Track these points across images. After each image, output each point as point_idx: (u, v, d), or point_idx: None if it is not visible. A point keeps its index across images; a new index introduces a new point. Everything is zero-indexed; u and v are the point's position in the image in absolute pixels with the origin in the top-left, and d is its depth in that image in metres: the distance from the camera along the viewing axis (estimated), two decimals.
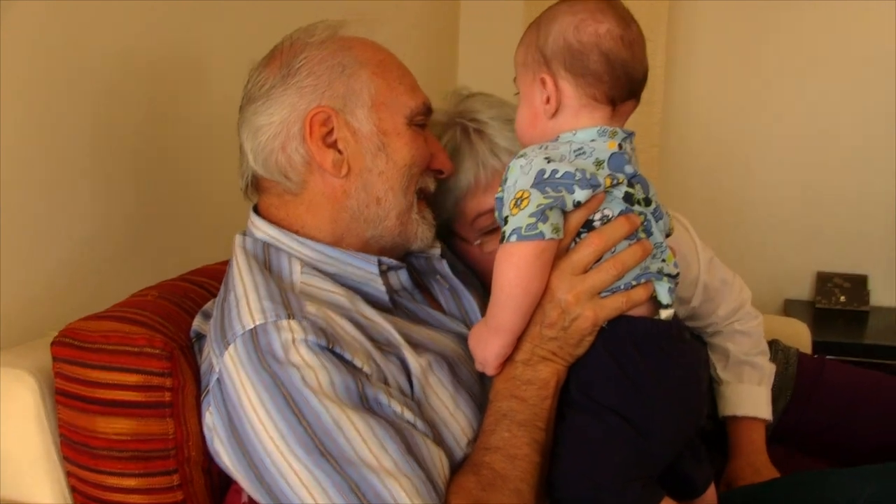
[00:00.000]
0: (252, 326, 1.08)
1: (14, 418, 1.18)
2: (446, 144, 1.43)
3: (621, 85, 1.16)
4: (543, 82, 1.18)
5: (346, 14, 1.33)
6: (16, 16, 1.24)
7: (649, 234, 1.16)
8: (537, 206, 1.07)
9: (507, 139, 1.41)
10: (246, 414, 1.05)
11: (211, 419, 1.12)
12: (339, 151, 1.23)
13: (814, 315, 3.01)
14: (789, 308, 3.08)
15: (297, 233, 1.25)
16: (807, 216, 3.12)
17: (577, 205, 1.10)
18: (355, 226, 1.26)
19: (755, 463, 1.69)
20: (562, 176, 1.08)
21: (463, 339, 1.26)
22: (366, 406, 1.06)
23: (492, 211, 1.38)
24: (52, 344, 1.18)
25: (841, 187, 3.08)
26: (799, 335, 2.25)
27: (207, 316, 1.25)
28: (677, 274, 1.19)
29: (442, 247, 1.40)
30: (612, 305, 1.11)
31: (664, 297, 1.16)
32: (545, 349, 1.13)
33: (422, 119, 1.30)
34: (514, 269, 1.09)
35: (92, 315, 1.22)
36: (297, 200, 1.26)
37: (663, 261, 1.17)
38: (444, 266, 1.38)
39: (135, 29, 1.48)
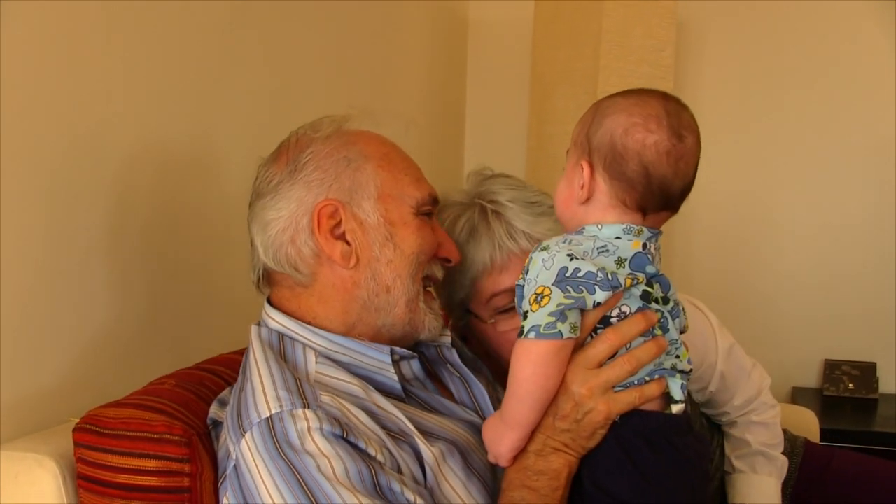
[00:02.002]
0: (268, 415, 1.10)
1: (36, 502, 1.18)
2: (464, 224, 1.45)
3: (654, 197, 1.14)
4: (583, 168, 1.17)
5: (351, 108, 1.36)
6: (34, 107, 1.27)
7: (665, 330, 1.16)
8: (557, 306, 1.07)
9: (525, 222, 1.42)
10: (262, 500, 1.06)
11: None
12: (348, 243, 1.25)
13: (822, 403, 2.98)
14: (797, 396, 3.05)
15: (309, 323, 1.27)
16: (814, 303, 3.11)
17: (596, 305, 1.10)
18: (366, 315, 1.27)
19: None
20: (584, 275, 1.09)
21: (474, 428, 1.27)
22: (380, 494, 1.06)
23: (506, 292, 1.40)
24: (74, 430, 1.19)
25: (848, 274, 3.08)
26: (807, 423, 2.23)
27: (223, 403, 1.27)
28: (690, 370, 1.20)
29: (452, 336, 1.41)
30: (626, 400, 1.12)
31: (676, 392, 1.16)
32: (557, 440, 1.13)
33: (428, 209, 1.32)
34: (531, 365, 1.10)
35: (112, 402, 1.23)
36: (307, 292, 1.28)
37: (677, 357, 1.18)
38: (454, 355, 1.39)
39: (150, 123, 1.50)
